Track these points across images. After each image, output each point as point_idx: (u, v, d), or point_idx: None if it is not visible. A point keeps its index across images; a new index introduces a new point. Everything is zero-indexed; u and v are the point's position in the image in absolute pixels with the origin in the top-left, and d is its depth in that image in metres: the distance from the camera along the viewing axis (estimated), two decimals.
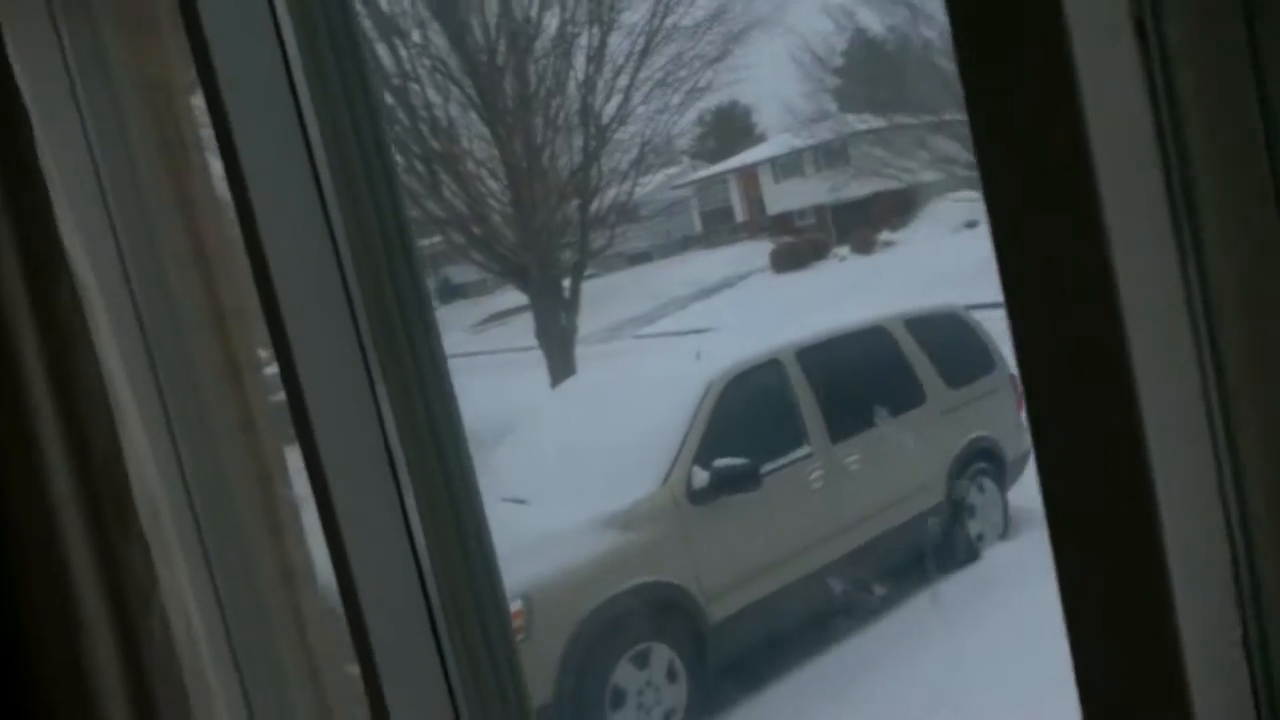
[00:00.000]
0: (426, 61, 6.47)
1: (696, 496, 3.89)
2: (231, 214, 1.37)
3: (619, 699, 3.73)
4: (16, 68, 0.93)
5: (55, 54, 1.07)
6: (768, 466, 3.99)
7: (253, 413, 1.37)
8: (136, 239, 1.18)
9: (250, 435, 1.37)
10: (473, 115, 6.50)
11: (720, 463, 3.90)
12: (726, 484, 3.89)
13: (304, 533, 1.51)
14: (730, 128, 7.53)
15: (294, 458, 1.52)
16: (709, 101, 6.95)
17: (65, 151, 1.02)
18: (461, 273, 8.10)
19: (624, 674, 3.73)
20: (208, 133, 1.39)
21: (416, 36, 6.39)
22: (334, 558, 0.94)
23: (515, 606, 3.38)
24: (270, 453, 1.42)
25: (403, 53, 6.39)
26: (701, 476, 3.90)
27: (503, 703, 1.00)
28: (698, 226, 8.05)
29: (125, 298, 1.16)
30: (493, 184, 6.56)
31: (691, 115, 6.91)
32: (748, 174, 7.42)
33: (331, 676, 1.52)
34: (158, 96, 1.21)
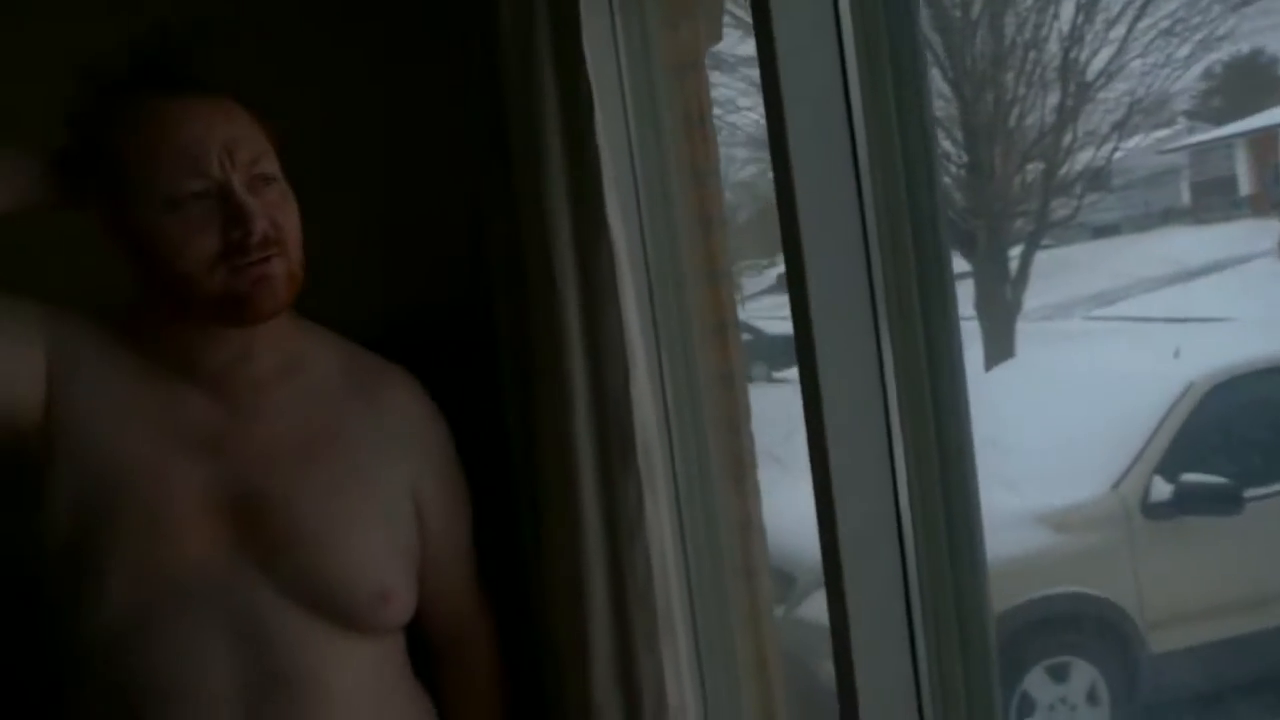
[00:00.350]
0: None
1: (1153, 510, 3.47)
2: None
3: (1027, 707, 3.51)
4: (586, 56, 1.06)
5: (609, 42, 1.21)
6: (1254, 491, 3.43)
7: (731, 365, 1.47)
8: (655, 205, 1.31)
9: (726, 387, 1.48)
10: (934, 72, 6.24)
11: (1191, 477, 3.44)
12: (1195, 502, 3.43)
13: (759, 483, 1.61)
14: (1247, 83, 6.36)
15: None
16: (1223, 52, 5.94)
17: (610, 127, 1.14)
18: None
19: (1037, 682, 3.50)
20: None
21: None
22: (819, 500, 0.97)
23: None
24: (740, 404, 1.52)
25: None
26: (1163, 489, 3.47)
27: (967, 687, 0.99)
28: (1185, 198, 7.03)
29: (640, 259, 1.30)
30: (947, 145, 6.28)
31: (1197, 69, 5.96)
32: (1264, 138, 6.25)
33: (768, 625, 1.61)
34: (684, 75, 1.32)
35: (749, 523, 1.56)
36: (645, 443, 1.19)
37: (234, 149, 1.01)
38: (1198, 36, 5.66)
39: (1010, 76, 5.86)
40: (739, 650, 1.52)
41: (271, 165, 1.05)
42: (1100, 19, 5.65)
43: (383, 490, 1.13)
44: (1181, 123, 6.65)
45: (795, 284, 0.91)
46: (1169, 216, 7.01)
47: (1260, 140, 6.30)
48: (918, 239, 0.92)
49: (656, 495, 1.22)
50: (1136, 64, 5.68)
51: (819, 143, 0.88)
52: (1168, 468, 3.49)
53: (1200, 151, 6.74)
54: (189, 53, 1.04)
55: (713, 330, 1.42)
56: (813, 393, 0.92)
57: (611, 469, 1.17)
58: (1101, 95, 5.76)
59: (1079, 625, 3.53)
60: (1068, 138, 5.86)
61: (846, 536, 0.94)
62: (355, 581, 1.08)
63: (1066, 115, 5.78)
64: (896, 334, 0.94)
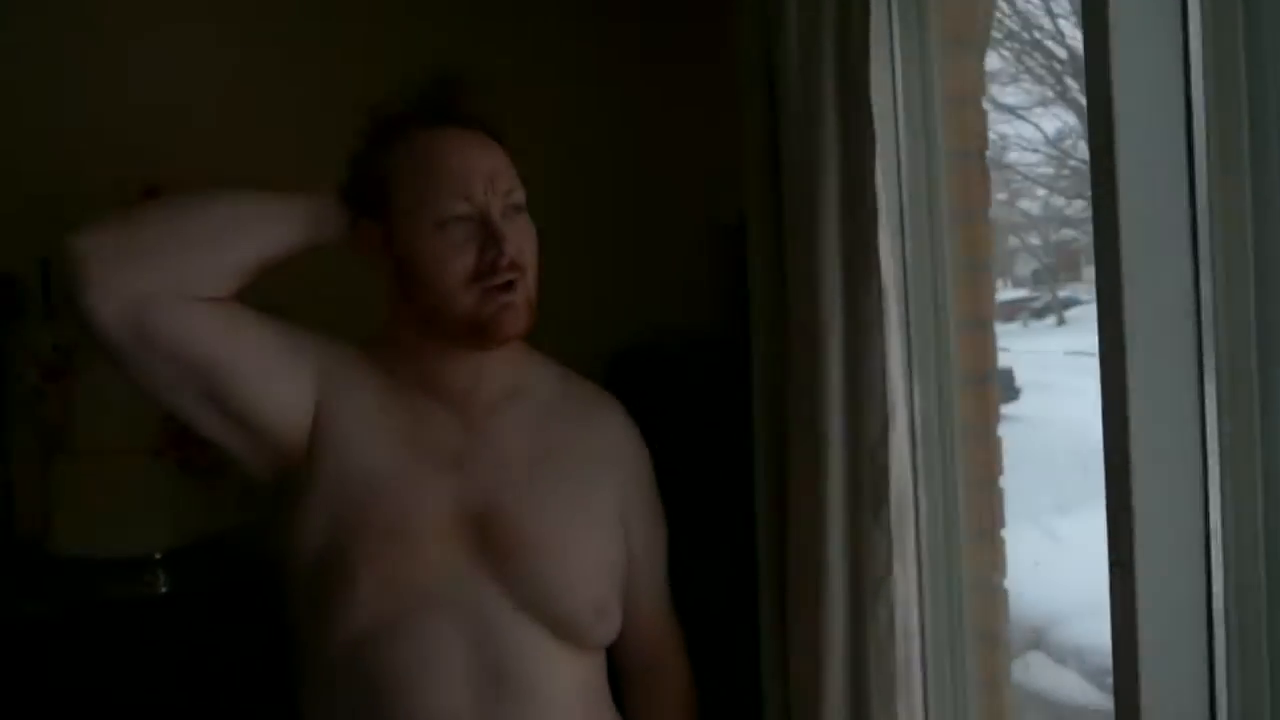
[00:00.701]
0: None
1: None
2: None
3: None
4: (873, 90, 1.02)
5: (888, 71, 1.16)
6: None
7: (988, 418, 1.38)
8: (920, 246, 1.25)
9: (981, 441, 1.39)
10: None
11: None
12: None
13: (1004, 543, 1.50)
14: None
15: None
16: None
17: (882, 161, 1.10)
18: None
19: None
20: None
21: None
22: (1115, 574, 0.86)
23: None
24: (993, 460, 1.43)
25: None
26: None
27: None
28: None
29: (900, 303, 1.24)
30: None
31: None
32: None
33: (1007, 695, 1.49)
34: (963, 110, 1.26)
35: (992, 583, 1.46)
36: (899, 496, 1.13)
37: (495, 178, 1.09)
38: None
39: None
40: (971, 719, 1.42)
41: (521, 196, 1.12)
42: None
43: (596, 509, 1.17)
44: None
45: (1108, 319, 0.82)
46: None
47: None
48: (1261, 284, 0.81)
49: (905, 551, 1.15)
50: None
51: (1149, 162, 0.80)
52: None
53: None
54: (460, 92, 1.12)
55: (972, 381, 1.33)
56: (1119, 456, 0.83)
57: (862, 520, 1.12)
58: None
59: None
60: None
61: (1145, 617, 0.84)
62: (575, 593, 1.12)
63: None
64: (1225, 389, 0.83)
